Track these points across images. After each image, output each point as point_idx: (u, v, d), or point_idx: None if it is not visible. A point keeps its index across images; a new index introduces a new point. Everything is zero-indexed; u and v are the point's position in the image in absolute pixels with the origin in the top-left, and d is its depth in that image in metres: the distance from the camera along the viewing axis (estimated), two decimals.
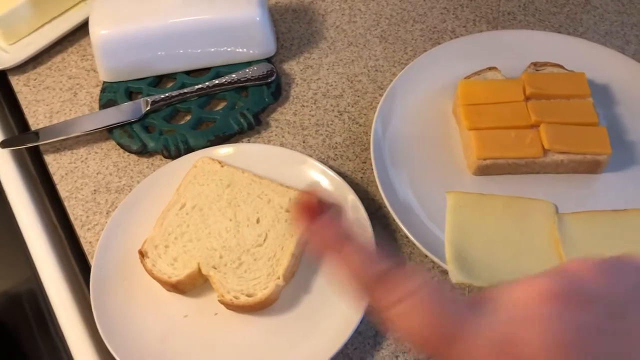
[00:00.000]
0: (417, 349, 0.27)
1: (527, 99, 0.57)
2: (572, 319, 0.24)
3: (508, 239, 0.51)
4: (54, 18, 0.72)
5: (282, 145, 0.60)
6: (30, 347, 0.54)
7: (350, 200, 0.53)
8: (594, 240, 0.50)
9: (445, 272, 0.52)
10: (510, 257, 0.50)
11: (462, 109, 0.57)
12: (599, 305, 0.25)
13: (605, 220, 0.52)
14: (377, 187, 0.57)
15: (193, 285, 0.50)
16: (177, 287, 0.49)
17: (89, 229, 0.56)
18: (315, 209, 0.30)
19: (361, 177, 0.58)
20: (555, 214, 0.52)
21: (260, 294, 0.48)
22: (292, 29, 0.70)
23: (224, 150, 0.58)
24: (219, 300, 0.48)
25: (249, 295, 0.48)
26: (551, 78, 0.58)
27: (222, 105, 0.63)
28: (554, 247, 0.50)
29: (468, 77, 0.60)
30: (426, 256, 0.53)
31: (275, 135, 0.62)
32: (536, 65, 0.60)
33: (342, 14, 0.72)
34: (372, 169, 0.58)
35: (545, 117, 0.55)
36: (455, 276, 0.48)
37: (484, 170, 0.55)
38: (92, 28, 0.62)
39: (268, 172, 0.55)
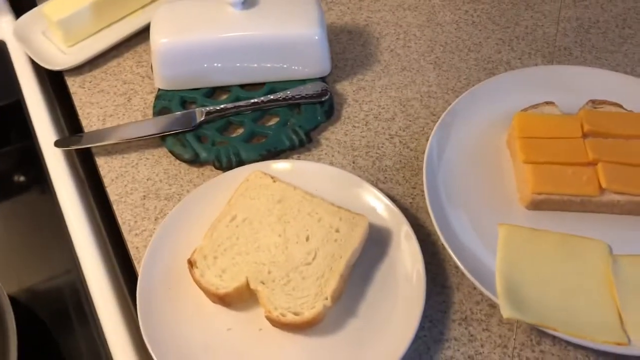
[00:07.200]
0: None
1: (585, 136, 0.56)
2: None
3: (560, 277, 0.50)
4: (112, 23, 0.73)
5: (331, 164, 0.60)
6: (68, 342, 0.54)
7: (404, 231, 0.52)
8: None
9: (492, 306, 0.51)
10: (562, 296, 0.49)
11: (518, 141, 0.56)
12: None
13: None
14: (425, 213, 0.56)
15: (239, 299, 0.50)
16: (224, 300, 0.49)
17: (136, 234, 0.56)
18: None
19: (410, 203, 0.58)
20: (609, 255, 0.51)
21: (308, 313, 0.47)
22: (347, 49, 0.71)
23: (277, 166, 0.58)
24: (266, 316, 0.48)
25: (296, 314, 0.47)
26: (610, 117, 0.58)
27: (274, 120, 0.64)
28: (608, 289, 0.49)
29: (525, 109, 0.60)
30: (474, 288, 0.52)
31: (325, 154, 0.62)
32: (594, 102, 0.59)
33: (397, 38, 0.72)
34: (421, 195, 0.58)
35: (604, 156, 0.54)
36: (506, 311, 0.47)
37: (538, 205, 0.54)
38: (153, 36, 0.63)
39: (320, 191, 0.55)
